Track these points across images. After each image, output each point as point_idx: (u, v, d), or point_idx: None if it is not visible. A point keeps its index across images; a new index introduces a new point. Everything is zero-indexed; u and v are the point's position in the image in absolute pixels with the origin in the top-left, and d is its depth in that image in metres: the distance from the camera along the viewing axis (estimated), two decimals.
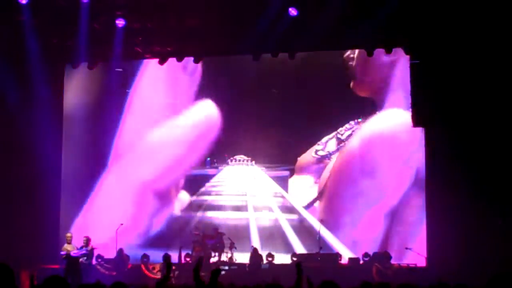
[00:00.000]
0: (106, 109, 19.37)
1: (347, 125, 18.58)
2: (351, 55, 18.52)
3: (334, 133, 18.64)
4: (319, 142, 18.69)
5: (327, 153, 18.51)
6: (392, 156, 17.75)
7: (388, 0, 15.65)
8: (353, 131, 18.46)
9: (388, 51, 17.32)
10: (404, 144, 17.62)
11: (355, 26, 16.19)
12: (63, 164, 18.95)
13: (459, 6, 15.25)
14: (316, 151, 18.64)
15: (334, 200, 18.09)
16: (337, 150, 18.47)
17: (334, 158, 18.46)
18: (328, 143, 18.62)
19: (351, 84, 18.40)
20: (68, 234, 16.19)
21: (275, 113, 18.99)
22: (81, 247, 15.87)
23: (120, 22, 16.97)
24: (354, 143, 18.20)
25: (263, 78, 18.79)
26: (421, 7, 15.54)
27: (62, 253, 15.71)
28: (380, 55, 17.60)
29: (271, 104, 19.05)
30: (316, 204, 18.43)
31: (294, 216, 18.46)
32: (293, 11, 16.09)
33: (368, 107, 18.44)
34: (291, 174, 18.82)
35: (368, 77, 18.39)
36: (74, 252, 15.57)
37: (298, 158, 18.78)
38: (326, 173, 18.48)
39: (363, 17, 16.05)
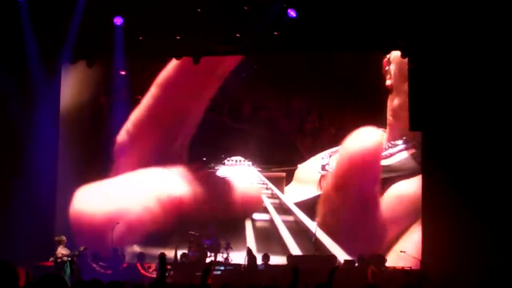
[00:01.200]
0: (106, 108, 19.40)
1: None
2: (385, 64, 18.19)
3: (336, 149, 18.38)
4: (323, 156, 18.52)
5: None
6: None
7: (386, 2, 15.69)
8: None
9: (385, 54, 17.37)
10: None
11: (352, 28, 16.23)
12: (60, 162, 18.93)
13: (458, 8, 15.27)
14: (323, 166, 18.45)
15: (333, 204, 18.01)
16: None
17: None
18: (331, 158, 18.43)
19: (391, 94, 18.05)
20: (62, 237, 16.15)
21: (274, 113, 19.03)
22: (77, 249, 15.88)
23: (118, 20, 16.98)
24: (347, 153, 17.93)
25: (261, 78, 18.77)
26: (419, 10, 15.56)
27: (51, 258, 15.66)
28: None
29: (270, 104, 19.08)
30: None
31: (290, 218, 18.46)
32: (292, 13, 16.12)
33: (372, 117, 18.26)
34: (288, 178, 18.75)
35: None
36: (68, 254, 15.54)
37: (299, 166, 18.68)
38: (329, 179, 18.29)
39: (360, 19, 16.09)
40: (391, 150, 18.00)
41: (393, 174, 17.82)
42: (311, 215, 18.11)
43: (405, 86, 16.85)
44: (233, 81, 18.73)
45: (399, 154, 17.94)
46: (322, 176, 18.37)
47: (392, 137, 17.96)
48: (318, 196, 18.27)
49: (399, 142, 17.95)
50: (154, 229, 18.45)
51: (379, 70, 17.95)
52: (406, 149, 17.91)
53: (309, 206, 18.27)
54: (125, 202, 18.62)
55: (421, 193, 16.68)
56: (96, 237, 17.93)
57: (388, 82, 17.92)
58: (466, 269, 14.50)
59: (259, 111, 19.18)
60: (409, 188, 17.55)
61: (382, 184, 17.75)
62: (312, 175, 18.47)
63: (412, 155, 17.72)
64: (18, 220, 17.30)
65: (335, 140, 18.35)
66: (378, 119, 17.87)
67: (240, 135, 19.07)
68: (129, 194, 18.74)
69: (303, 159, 18.69)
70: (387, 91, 17.93)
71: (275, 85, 18.85)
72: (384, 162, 17.88)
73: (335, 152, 18.33)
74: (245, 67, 18.57)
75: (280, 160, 18.86)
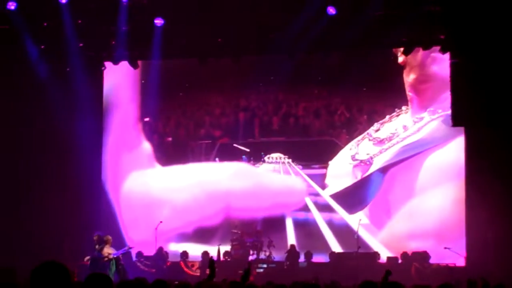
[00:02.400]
0: (146, 107, 19.60)
1: (374, 127, 18.41)
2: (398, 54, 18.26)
3: (362, 136, 18.42)
4: (350, 147, 18.52)
5: (368, 156, 18.31)
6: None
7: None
8: (392, 133, 18.24)
9: (425, 49, 17.27)
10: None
11: (392, 24, 16.17)
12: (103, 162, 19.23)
13: (500, 2, 15.09)
14: (353, 156, 18.44)
15: (382, 202, 17.96)
16: (380, 152, 18.28)
17: (376, 161, 18.25)
18: (360, 146, 18.43)
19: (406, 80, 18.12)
20: (109, 237, 16.34)
21: (317, 115, 19.03)
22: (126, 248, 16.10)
23: (158, 21, 17.12)
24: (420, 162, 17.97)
25: (299, 76, 18.77)
26: (461, 4, 15.41)
27: (87, 258, 15.84)
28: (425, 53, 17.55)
29: (309, 102, 19.09)
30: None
31: (331, 215, 18.41)
32: (331, 10, 16.10)
33: (394, 105, 18.31)
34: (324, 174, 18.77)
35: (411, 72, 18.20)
36: (114, 253, 15.73)
37: (330, 162, 18.68)
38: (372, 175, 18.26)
39: (401, 15, 16.02)
40: (418, 125, 18.07)
41: (426, 147, 17.81)
42: (346, 206, 18.12)
43: (418, 59, 17.47)
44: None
45: (427, 126, 17.99)
46: (355, 166, 18.38)
47: (416, 112, 18.11)
48: (351, 186, 18.28)
49: (424, 114, 18.03)
50: (200, 220, 18.57)
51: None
52: (432, 120, 17.94)
53: (343, 197, 18.27)
54: (173, 190, 18.87)
55: (457, 158, 16.82)
56: (141, 221, 18.31)
57: (400, 59, 18.00)
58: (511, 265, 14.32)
59: (287, 120, 19.25)
60: (446, 156, 17.54)
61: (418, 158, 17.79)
62: (344, 168, 18.48)
63: (440, 122, 17.73)
64: (62, 219, 17.54)
65: (371, 125, 18.46)
66: (399, 97, 18.14)
67: (281, 142, 19.23)
68: (177, 184, 19.01)
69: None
70: (402, 67, 18.04)
71: (290, 89, 18.98)
72: (415, 138, 17.94)
73: (362, 139, 18.36)
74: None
75: (320, 158, 18.83)
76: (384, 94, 18.27)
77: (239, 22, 16.86)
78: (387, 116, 18.37)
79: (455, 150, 17.35)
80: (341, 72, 18.22)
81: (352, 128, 18.71)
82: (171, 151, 19.59)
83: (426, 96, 17.86)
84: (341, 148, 18.65)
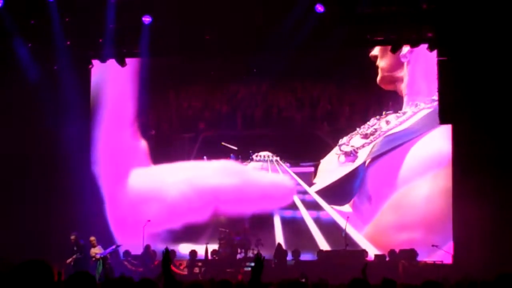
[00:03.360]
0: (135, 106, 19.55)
1: (369, 123, 18.50)
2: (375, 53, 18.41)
3: (356, 131, 18.56)
4: (341, 139, 18.64)
5: (352, 148, 18.44)
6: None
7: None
8: (375, 128, 18.38)
9: (413, 47, 17.33)
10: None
11: (380, 22, 16.22)
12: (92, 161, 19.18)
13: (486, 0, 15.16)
14: (340, 146, 18.58)
15: (367, 196, 18.02)
16: (363, 146, 18.40)
17: (360, 154, 18.36)
18: (351, 140, 18.57)
19: (378, 79, 18.31)
20: (92, 238, 16.28)
21: (300, 108, 19.04)
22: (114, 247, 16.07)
23: (146, 19, 17.08)
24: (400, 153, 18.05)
25: (283, 69, 18.79)
26: (449, 2, 15.47)
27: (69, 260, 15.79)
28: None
29: (295, 100, 19.10)
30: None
31: (319, 213, 18.43)
32: (319, 8, 16.12)
33: (389, 103, 18.40)
34: (314, 173, 18.78)
35: (392, 70, 18.31)
36: (101, 252, 15.68)
37: (321, 161, 18.72)
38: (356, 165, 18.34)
39: (388, 13, 16.07)
40: (400, 119, 18.26)
41: (409, 137, 17.96)
42: (332, 200, 18.18)
43: (388, 49, 17.54)
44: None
45: (409, 120, 18.09)
46: (339, 157, 18.47)
47: (399, 106, 18.28)
48: (337, 181, 18.33)
49: (407, 109, 18.19)
50: (188, 219, 18.55)
51: None
52: (414, 113, 18.08)
53: (330, 192, 18.32)
54: (161, 188, 18.86)
55: (440, 147, 17.02)
56: (129, 219, 18.41)
57: (372, 53, 18.21)
58: (498, 262, 14.37)
59: (270, 113, 19.26)
60: (429, 145, 17.67)
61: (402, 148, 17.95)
62: (332, 162, 18.55)
63: (423, 115, 17.89)
64: (49, 219, 17.48)
65: (352, 119, 18.60)
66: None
67: (264, 135, 19.22)
68: (166, 182, 18.98)
69: (329, 150, 18.74)
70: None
71: (274, 83, 19.02)
72: (397, 129, 18.13)
73: (355, 134, 18.44)
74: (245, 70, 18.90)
75: (308, 155, 18.86)
76: (371, 85, 18.36)
77: (227, 20, 16.84)
78: (378, 116, 18.46)
79: (438, 139, 17.46)
80: (325, 66, 18.29)
81: (334, 120, 18.77)
82: (155, 146, 19.53)
83: (403, 86, 18.09)
84: (325, 142, 18.70)
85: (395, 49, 17.41)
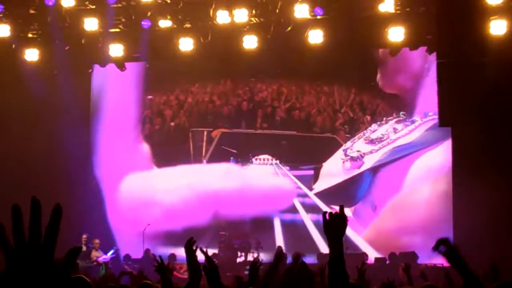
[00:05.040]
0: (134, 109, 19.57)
1: (371, 127, 18.49)
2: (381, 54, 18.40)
3: (359, 135, 18.53)
4: (345, 145, 18.60)
5: (359, 153, 18.38)
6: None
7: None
8: (382, 134, 18.35)
9: (412, 49, 17.34)
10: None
11: (379, 25, 16.25)
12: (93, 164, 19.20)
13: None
14: (345, 150, 18.54)
15: (368, 200, 18.03)
16: (370, 152, 18.34)
17: (367, 160, 18.32)
18: (354, 145, 18.54)
19: (379, 81, 18.29)
20: (97, 241, 16.24)
21: (299, 111, 19.05)
22: (112, 252, 16.03)
23: (146, 23, 17.10)
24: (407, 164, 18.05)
25: (290, 74, 18.80)
26: (448, 4, 15.48)
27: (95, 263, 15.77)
28: (412, 52, 17.61)
29: (295, 103, 19.12)
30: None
31: (319, 216, 18.40)
32: (318, 11, 16.17)
33: (394, 107, 18.41)
34: (316, 176, 18.75)
35: (399, 74, 18.30)
36: (103, 258, 15.67)
37: (324, 164, 18.70)
38: (359, 174, 18.32)
39: (388, 15, 16.09)
40: (408, 128, 18.35)
41: (416, 149, 17.95)
42: (334, 204, 18.15)
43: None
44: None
45: (418, 129, 18.21)
46: (344, 162, 18.45)
47: (408, 114, 18.36)
48: (341, 183, 18.31)
49: (416, 117, 18.27)
50: (188, 222, 18.53)
51: None
52: (424, 122, 18.19)
53: (332, 195, 18.31)
54: (162, 192, 18.86)
55: (446, 160, 17.06)
56: (130, 223, 18.40)
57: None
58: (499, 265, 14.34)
59: (291, 113, 19.22)
60: (435, 158, 17.74)
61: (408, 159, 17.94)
62: (336, 166, 18.54)
63: (431, 125, 17.94)
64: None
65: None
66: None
67: (269, 135, 19.20)
68: (166, 185, 18.98)
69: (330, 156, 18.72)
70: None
71: (297, 83, 19.00)
72: (405, 140, 18.20)
73: (358, 138, 18.39)
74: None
75: (308, 158, 18.85)
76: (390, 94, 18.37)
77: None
78: (384, 118, 18.46)
79: (444, 152, 17.46)
80: (348, 70, 18.26)
81: (354, 127, 18.75)
82: (159, 149, 19.50)
83: (414, 96, 18.09)
84: (340, 146, 18.70)
85: (395, 52, 17.41)
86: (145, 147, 19.55)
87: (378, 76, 18.40)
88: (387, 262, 16.69)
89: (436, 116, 17.36)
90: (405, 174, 17.87)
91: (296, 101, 19.23)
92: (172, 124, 19.74)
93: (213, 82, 19.60)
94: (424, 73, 18.10)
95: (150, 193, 19.03)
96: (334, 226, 3.71)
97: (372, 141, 18.41)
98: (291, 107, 19.27)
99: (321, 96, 19.10)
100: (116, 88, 19.51)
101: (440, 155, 17.61)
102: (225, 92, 19.60)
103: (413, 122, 18.22)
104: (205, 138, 19.52)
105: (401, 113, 18.46)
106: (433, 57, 17.03)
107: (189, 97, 19.73)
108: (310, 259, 17.36)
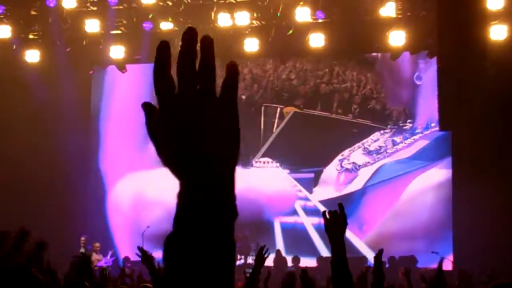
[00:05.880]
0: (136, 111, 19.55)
1: (372, 137, 18.44)
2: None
3: (357, 145, 18.47)
4: (342, 153, 18.56)
5: (353, 165, 18.36)
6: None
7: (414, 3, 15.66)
8: (380, 146, 18.29)
9: (413, 53, 17.36)
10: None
11: (380, 29, 16.28)
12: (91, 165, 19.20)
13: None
14: (341, 162, 18.47)
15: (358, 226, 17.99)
16: (365, 165, 18.29)
17: (361, 173, 18.30)
18: (351, 155, 18.47)
19: (384, 97, 18.22)
20: (97, 244, 16.23)
21: (301, 115, 19.05)
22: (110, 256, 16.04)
23: (147, 25, 17.12)
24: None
25: (291, 81, 18.80)
26: (448, 8, 15.50)
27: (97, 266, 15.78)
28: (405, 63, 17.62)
29: (297, 107, 19.13)
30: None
31: (320, 219, 18.41)
32: (320, 15, 16.20)
33: (395, 117, 18.37)
34: (316, 178, 18.74)
35: (399, 87, 18.25)
36: (105, 261, 15.66)
37: (324, 169, 18.68)
38: (356, 186, 18.29)
39: (389, 19, 16.12)
40: (408, 141, 18.19)
41: (415, 167, 17.88)
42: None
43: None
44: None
45: (417, 143, 18.04)
46: (340, 173, 18.41)
47: (409, 125, 18.22)
48: (337, 198, 18.30)
49: (417, 130, 18.09)
50: None
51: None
52: (424, 135, 18.03)
53: (330, 206, 18.26)
54: (162, 193, 18.82)
55: (449, 179, 16.99)
56: (130, 224, 18.43)
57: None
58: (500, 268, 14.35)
59: (366, 103, 18.77)
60: (435, 176, 17.64)
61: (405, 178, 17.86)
62: (332, 179, 18.52)
63: (431, 140, 17.84)
64: (51, 224, 17.45)
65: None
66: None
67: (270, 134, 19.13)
68: (167, 186, 18.90)
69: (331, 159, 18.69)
70: None
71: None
72: (403, 155, 18.06)
73: (357, 148, 18.35)
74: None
75: (308, 162, 18.84)
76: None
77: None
78: (389, 126, 18.38)
79: (445, 166, 17.42)
80: None
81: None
82: None
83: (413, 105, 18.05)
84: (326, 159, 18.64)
85: (395, 55, 17.44)
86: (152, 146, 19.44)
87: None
88: (387, 266, 16.68)
89: (436, 129, 17.37)
90: (399, 195, 17.80)
91: (375, 90, 18.84)
92: None
93: None
94: (417, 80, 18.05)
95: (151, 194, 19.01)
96: (334, 225, 3.73)
97: (369, 153, 18.37)
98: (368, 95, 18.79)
99: None
100: (127, 86, 19.44)
101: (441, 171, 17.57)
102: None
103: (412, 134, 18.15)
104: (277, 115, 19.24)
105: (388, 125, 18.34)
106: (428, 63, 17.13)
107: None
108: (309, 262, 17.36)
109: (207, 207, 1.31)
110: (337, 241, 3.80)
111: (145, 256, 5.67)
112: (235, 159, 1.33)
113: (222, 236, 1.31)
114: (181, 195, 1.38)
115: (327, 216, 3.69)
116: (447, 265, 16.17)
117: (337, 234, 3.78)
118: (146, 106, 1.35)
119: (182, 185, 1.39)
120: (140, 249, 5.78)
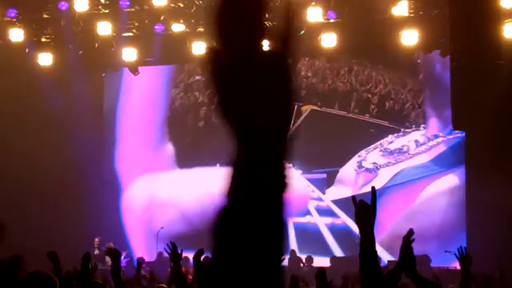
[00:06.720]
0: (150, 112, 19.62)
1: (387, 138, 18.36)
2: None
3: (374, 145, 18.38)
4: (359, 154, 18.49)
5: (374, 165, 18.26)
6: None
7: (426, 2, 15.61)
8: (402, 145, 18.16)
9: (426, 53, 17.30)
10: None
11: (393, 28, 16.23)
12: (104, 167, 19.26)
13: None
14: (359, 162, 18.39)
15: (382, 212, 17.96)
16: (387, 165, 18.20)
17: (382, 172, 18.23)
18: (369, 155, 18.38)
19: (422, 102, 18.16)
20: (110, 245, 16.27)
21: (318, 113, 19.02)
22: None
23: (159, 27, 17.16)
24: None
25: (308, 79, 18.78)
26: (461, 7, 15.44)
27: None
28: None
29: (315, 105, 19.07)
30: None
31: (333, 219, 18.39)
32: (331, 14, 16.19)
33: (413, 119, 18.28)
34: (329, 179, 18.68)
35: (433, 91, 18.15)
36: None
37: (340, 169, 18.62)
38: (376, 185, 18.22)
39: (402, 18, 16.08)
40: (430, 143, 18.01)
41: (433, 172, 17.79)
42: (350, 214, 18.07)
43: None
44: None
45: (438, 147, 17.92)
46: (358, 174, 18.34)
47: (431, 129, 18.05)
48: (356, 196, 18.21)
49: (439, 133, 17.95)
50: (202, 225, 18.53)
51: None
52: (447, 139, 17.84)
53: (347, 205, 18.22)
54: (178, 194, 18.86)
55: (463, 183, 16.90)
56: (144, 225, 18.40)
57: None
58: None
59: (383, 102, 18.64)
60: (450, 182, 17.56)
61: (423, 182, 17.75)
62: (350, 175, 18.45)
63: (452, 146, 17.72)
64: (61, 226, 17.52)
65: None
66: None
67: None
68: (183, 188, 18.96)
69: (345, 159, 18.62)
70: None
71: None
72: (423, 159, 17.92)
73: (373, 149, 18.30)
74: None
75: (322, 162, 18.79)
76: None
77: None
78: (402, 130, 18.31)
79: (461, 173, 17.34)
80: None
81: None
82: (186, 148, 19.43)
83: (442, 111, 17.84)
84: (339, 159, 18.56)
85: (408, 55, 17.39)
86: (169, 148, 19.51)
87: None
88: None
89: (461, 134, 17.23)
90: (414, 198, 17.72)
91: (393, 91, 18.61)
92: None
93: None
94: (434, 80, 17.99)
95: (166, 195, 19.04)
96: (363, 217, 3.69)
97: (391, 153, 18.23)
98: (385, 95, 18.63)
99: None
100: (139, 88, 19.48)
101: (456, 176, 17.51)
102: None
103: (435, 137, 18.02)
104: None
105: (402, 130, 18.26)
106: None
107: None
108: (323, 262, 17.34)
109: (259, 178, 1.38)
110: (366, 232, 3.75)
111: (175, 253, 5.65)
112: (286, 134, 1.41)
113: (273, 209, 1.36)
114: (235, 166, 1.41)
115: (358, 205, 3.64)
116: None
117: (366, 226, 3.74)
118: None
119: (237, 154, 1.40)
120: (172, 244, 5.76)
